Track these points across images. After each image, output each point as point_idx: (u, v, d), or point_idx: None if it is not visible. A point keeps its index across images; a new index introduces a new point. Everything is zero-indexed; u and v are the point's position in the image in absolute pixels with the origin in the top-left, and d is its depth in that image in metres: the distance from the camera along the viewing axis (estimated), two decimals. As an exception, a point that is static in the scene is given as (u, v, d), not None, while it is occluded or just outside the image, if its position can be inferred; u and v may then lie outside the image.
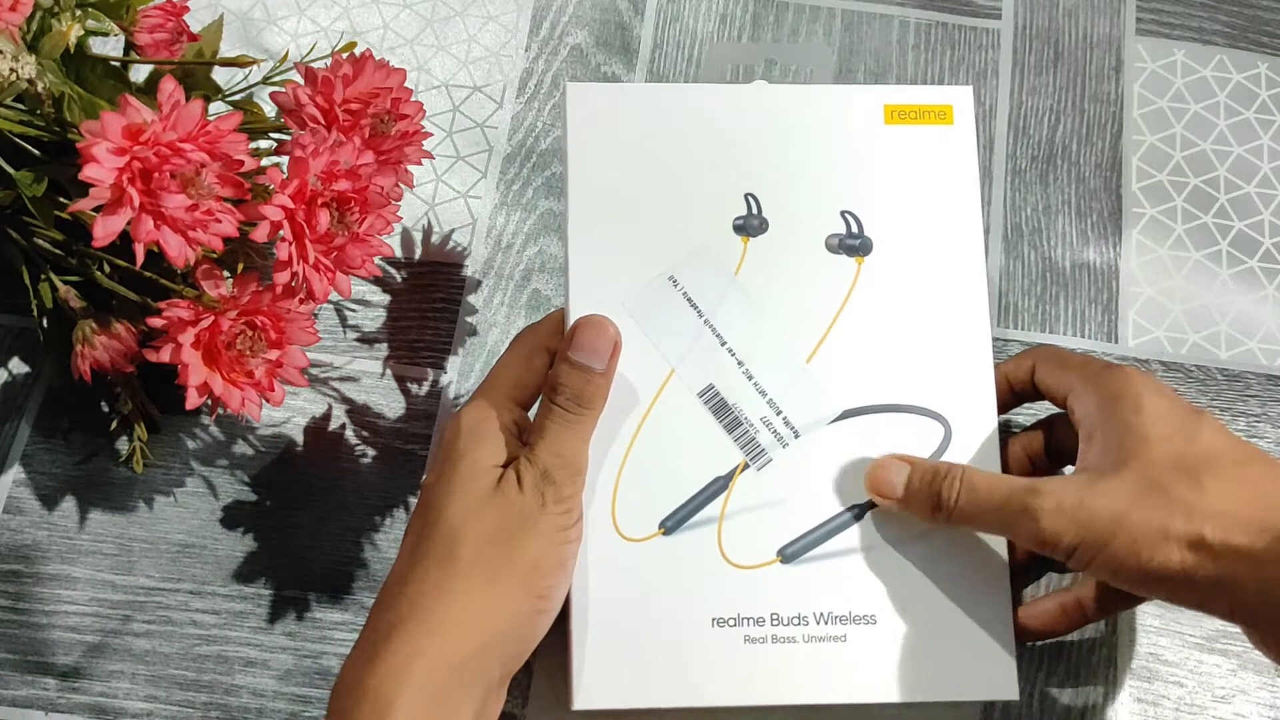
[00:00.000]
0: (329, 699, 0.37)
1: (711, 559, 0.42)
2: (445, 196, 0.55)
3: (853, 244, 0.44)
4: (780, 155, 0.45)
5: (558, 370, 0.41)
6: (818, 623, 0.41)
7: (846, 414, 0.43)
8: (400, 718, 0.35)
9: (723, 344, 0.43)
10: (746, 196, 0.44)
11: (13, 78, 0.39)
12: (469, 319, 0.53)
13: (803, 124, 0.45)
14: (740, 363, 0.43)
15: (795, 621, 0.41)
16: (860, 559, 0.42)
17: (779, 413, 0.43)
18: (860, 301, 0.44)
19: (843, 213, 0.45)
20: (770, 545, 0.42)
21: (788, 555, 0.42)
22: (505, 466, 0.40)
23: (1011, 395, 0.45)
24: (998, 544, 0.43)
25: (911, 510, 0.41)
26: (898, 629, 0.42)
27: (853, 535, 0.42)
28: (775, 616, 0.41)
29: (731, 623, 0.41)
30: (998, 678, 0.42)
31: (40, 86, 0.41)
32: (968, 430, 0.43)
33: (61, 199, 0.43)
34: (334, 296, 0.48)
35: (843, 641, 0.41)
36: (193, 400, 0.40)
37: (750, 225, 0.44)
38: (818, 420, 0.43)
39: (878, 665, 0.41)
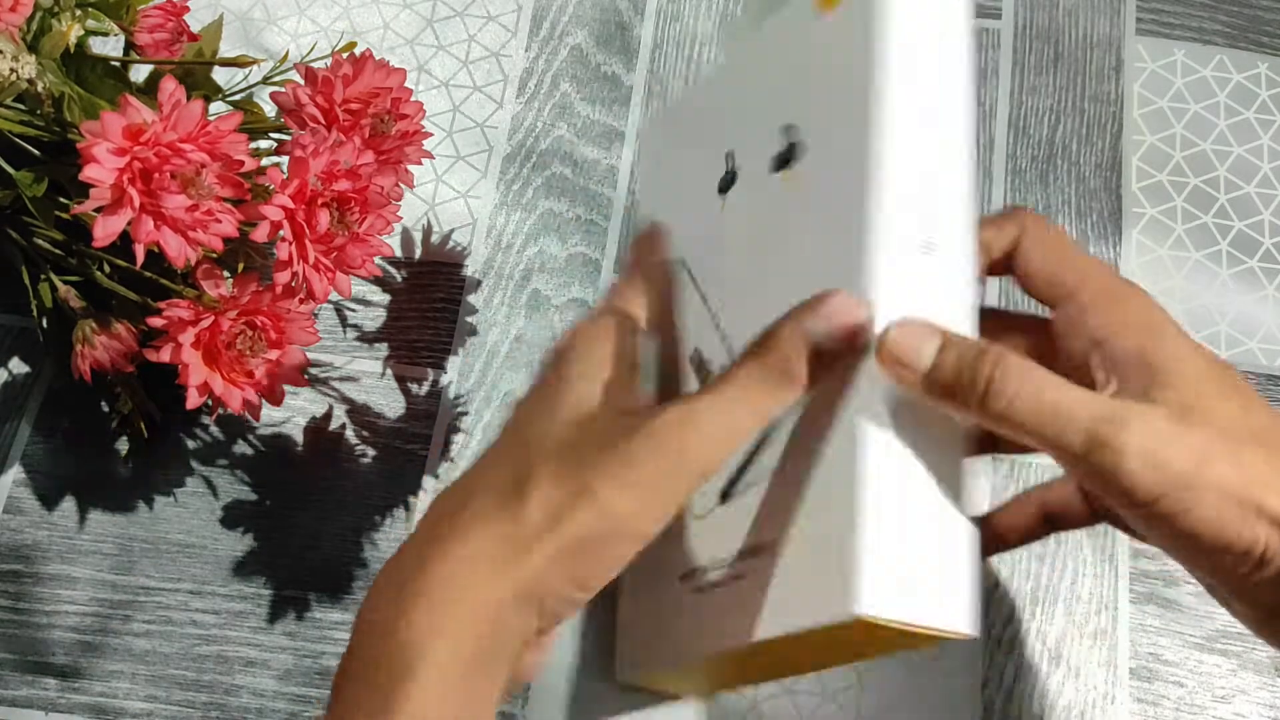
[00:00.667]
0: (355, 622, 0.33)
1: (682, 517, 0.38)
2: (445, 196, 0.55)
3: (784, 157, 0.37)
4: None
5: (777, 329, 0.32)
6: (731, 563, 0.36)
7: None
8: (422, 692, 0.30)
9: (704, 301, 0.39)
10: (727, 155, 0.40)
11: (13, 78, 0.39)
12: (469, 319, 0.53)
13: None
14: (713, 314, 0.39)
15: (718, 565, 0.36)
16: (767, 485, 0.35)
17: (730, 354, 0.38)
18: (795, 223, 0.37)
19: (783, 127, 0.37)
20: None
21: (724, 494, 0.37)
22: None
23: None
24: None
25: (935, 394, 0.32)
26: (790, 557, 0.34)
27: (773, 455, 0.35)
28: (713, 560, 0.36)
29: (685, 576, 0.37)
30: (831, 597, 0.31)
31: (40, 86, 0.41)
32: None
33: (61, 199, 0.43)
34: (334, 296, 0.48)
35: (743, 579, 0.35)
36: (193, 400, 0.40)
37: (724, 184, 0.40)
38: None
39: (762, 602, 0.34)
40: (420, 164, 0.45)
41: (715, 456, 0.32)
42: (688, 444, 0.32)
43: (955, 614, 0.31)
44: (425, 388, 0.52)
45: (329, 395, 0.51)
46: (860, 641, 0.32)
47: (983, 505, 0.44)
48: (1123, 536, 0.49)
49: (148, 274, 0.43)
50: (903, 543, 0.31)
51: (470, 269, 0.54)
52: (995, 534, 0.40)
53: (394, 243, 0.54)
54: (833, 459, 0.33)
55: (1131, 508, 0.31)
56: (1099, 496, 0.35)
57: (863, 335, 0.32)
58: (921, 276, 0.33)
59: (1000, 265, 0.36)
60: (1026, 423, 0.31)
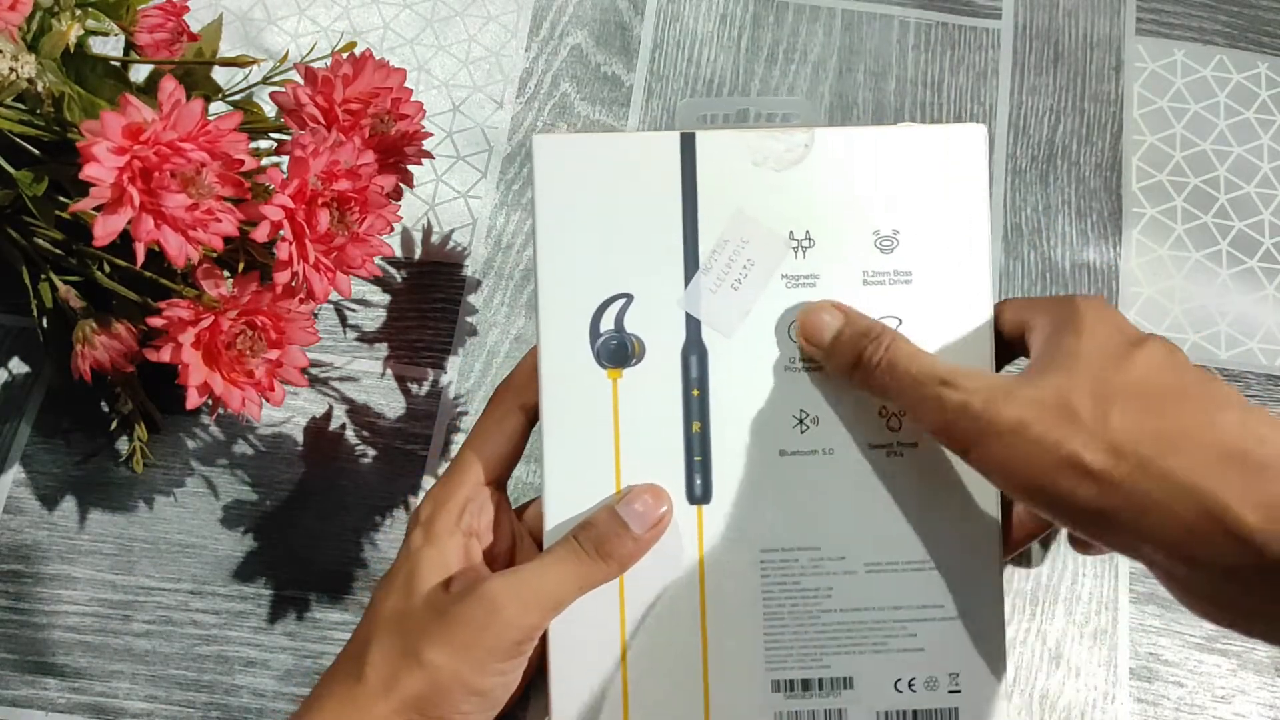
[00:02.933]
0: None
1: None
2: (445, 196, 0.55)
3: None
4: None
5: (596, 515, 0.39)
6: None
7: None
8: None
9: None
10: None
11: (13, 77, 0.39)
12: (469, 319, 0.53)
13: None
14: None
15: None
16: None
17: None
18: None
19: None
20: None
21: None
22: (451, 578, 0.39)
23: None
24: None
25: (832, 364, 0.40)
26: None
27: None
28: None
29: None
30: None
31: (40, 86, 0.41)
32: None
33: (61, 199, 0.43)
34: (334, 296, 0.48)
35: None
36: (193, 400, 0.40)
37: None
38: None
39: None
40: (420, 164, 0.45)
41: (532, 621, 0.37)
42: (506, 608, 0.37)
43: None
44: (425, 388, 0.52)
45: (329, 395, 0.51)
46: None
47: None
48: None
49: (148, 274, 0.43)
50: None
51: (470, 269, 0.54)
52: (1009, 533, 0.42)
53: (394, 243, 0.54)
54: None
55: (961, 453, 0.36)
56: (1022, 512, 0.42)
57: (664, 525, 0.40)
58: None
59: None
60: (884, 386, 0.38)
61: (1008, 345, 0.41)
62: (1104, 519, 0.34)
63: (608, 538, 0.38)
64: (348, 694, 0.37)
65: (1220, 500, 0.31)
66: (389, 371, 0.52)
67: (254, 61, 0.46)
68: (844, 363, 0.39)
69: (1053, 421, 0.34)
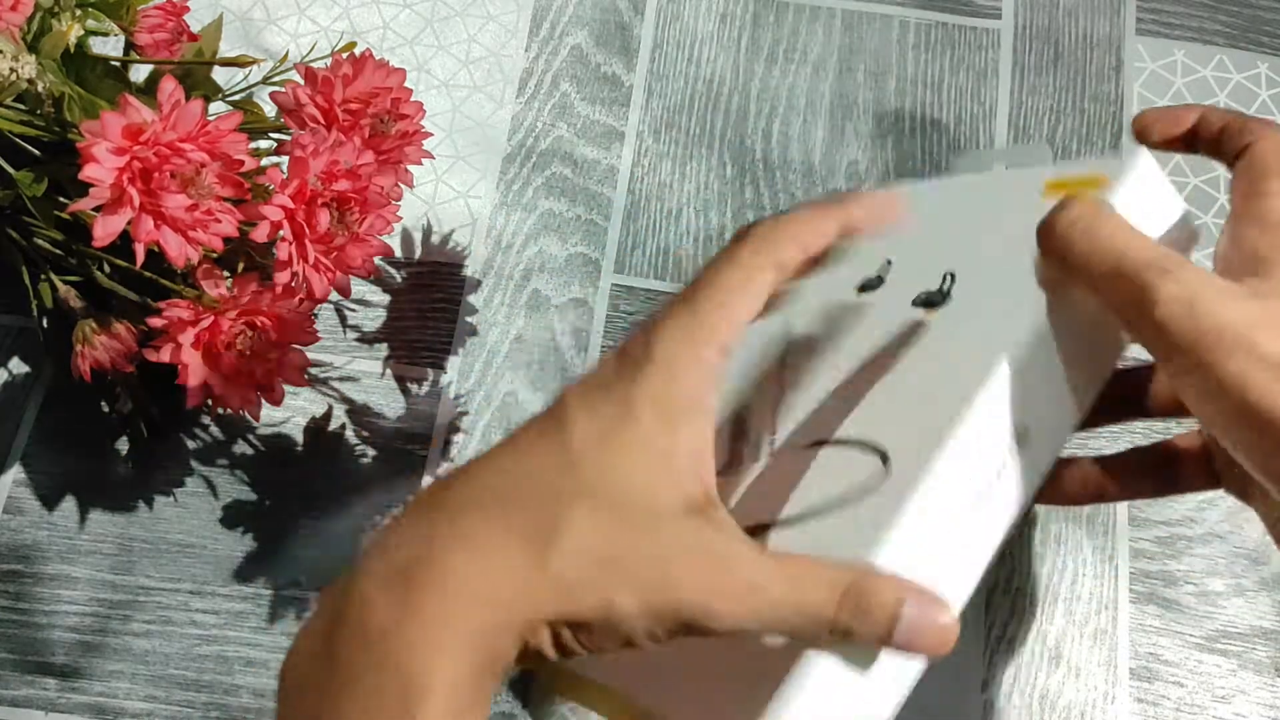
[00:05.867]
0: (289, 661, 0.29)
1: None
2: (445, 196, 0.55)
3: (932, 299, 0.37)
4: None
5: (880, 585, 0.29)
6: None
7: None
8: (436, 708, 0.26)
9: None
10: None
11: (13, 78, 0.39)
12: (469, 319, 0.53)
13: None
14: (781, 387, 0.40)
15: None
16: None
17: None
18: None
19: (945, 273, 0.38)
20: None
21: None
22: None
23: (1180, 144, 0.36)
24: None
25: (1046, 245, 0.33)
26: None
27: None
28: None
29: None
30: None
31: (40, 86, 0.41)
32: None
33: (61, 199, 0.43)
34: (334, 296, 0.48)
35: None
36: (193, 400, 0.40)
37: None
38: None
39: None
40: (420, 164, 0.45)
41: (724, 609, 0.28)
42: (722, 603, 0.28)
43: None
44: (425, 388, 0.52)
45: (329, 395, 0.51)
46: None
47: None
48: (1123, 536, 0.49)
49: (148, 274, 0.43)
50: None
51: (470, 269, 0.54)
52: (1101, 481, 0.39)
53: (394, 243, 0.54)
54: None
55: (1163, 356, 0.30)
56: (1224, 452, 0.34)
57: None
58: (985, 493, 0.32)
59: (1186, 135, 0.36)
60: (1081, 263, 0.31)
61: (1188, 143, 0.36)
62: None
63: (869, 615, 0.29)
64: (516, 571, 0.28)
65: None
66: (389, 371, 0.52)
67: (254, 61, 0.46)
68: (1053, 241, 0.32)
69: (1270, 339, 0.29)
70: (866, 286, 0.40)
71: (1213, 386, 0.29)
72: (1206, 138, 0.36)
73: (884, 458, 0.34)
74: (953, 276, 0.37)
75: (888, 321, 0.38)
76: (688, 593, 0.28)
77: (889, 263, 0.40)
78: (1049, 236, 0.32)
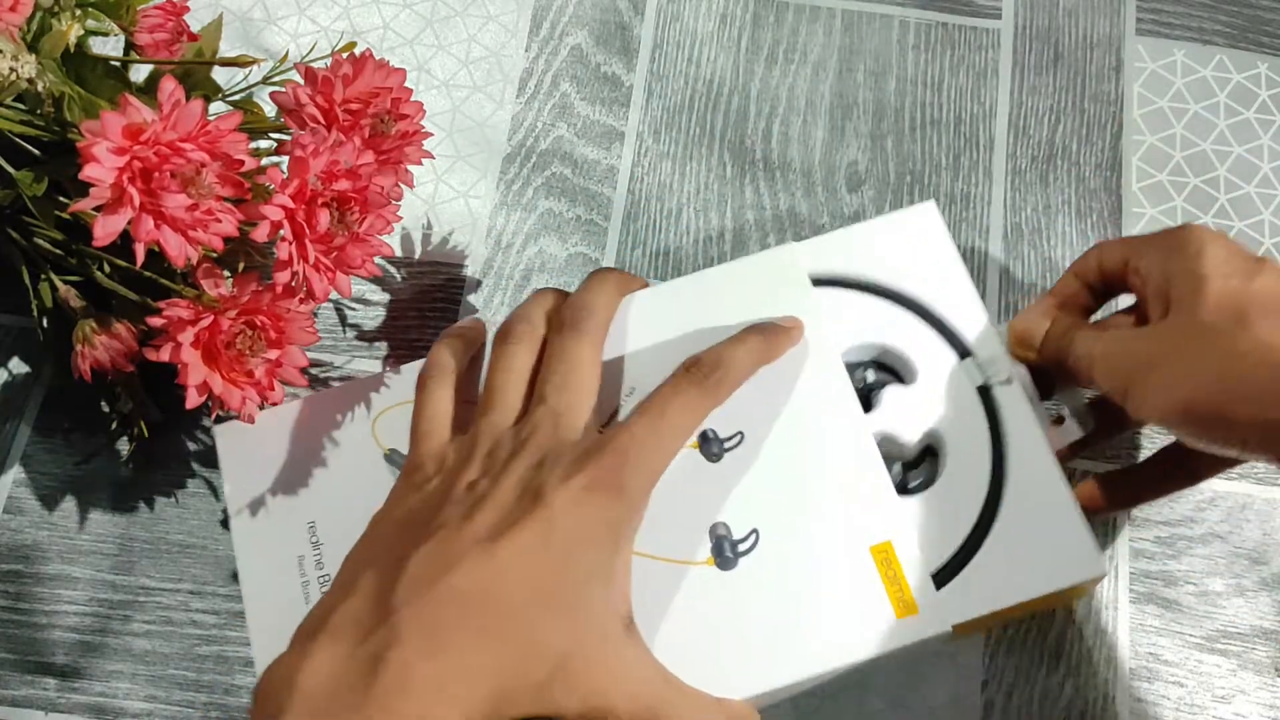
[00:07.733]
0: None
1: None
2: (445, 196, 0.55)
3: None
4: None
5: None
6: None
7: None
8: None
9: None
10: None
11: (13, 78, 0.39)
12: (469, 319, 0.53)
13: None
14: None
15: None
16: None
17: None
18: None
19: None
20: None
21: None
22: None
23: (1089, 295, 0.44)
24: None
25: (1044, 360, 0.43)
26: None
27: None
28: None
29: None
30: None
31: (40, 86, 0.41)
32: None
33: (61, 199, 0.43)
34: (334, 296, 0.48)
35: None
36: (193, 400, 0.40)
37: None
38: None
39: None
40: (420, 164, 0.45)
41: None
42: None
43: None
44: (425, 388, 0.52)
45: (329, 395, 0.51)
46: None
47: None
48: (1123, 536, 0.49)
49: (148, 274, 0.43)
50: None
51: (470, 269, 0.54)
52: (1135, 487, 0.46)
53: (394, 242, 0.54)
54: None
55: (1109, 394, 0.39)
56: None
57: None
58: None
59: (1097, 279, 0.43)
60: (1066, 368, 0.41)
61: (1106, 287, 0.43)
62: (1258, 429, 0.34)
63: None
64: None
65: None
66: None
67: (254, 61, 0.46)
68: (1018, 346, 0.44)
69: (1192, 344, 0.36)
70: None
71: (1150, 403, 0.37)
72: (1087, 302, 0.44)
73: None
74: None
75: None
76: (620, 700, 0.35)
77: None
78: (1059, 361, 0.43)
